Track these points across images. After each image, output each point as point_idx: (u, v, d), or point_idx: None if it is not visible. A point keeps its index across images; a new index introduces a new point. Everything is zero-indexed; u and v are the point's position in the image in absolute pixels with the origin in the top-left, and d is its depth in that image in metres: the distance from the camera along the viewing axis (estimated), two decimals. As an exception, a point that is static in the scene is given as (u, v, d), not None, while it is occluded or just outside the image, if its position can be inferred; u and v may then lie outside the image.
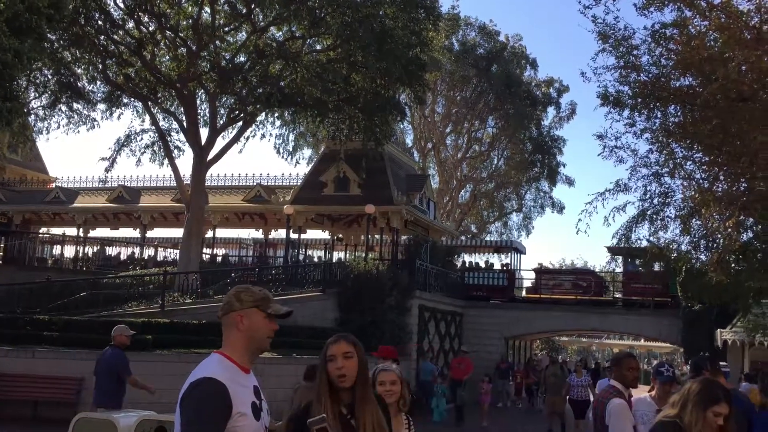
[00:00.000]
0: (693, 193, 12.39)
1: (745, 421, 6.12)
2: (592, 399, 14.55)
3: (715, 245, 12.47)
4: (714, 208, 11.56)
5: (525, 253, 34.46)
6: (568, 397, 17.02)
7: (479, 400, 20.25)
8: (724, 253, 11.52)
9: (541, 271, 29.97)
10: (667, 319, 25.96)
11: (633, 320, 27.42)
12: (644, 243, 13.54)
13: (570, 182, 45.37)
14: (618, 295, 28.63)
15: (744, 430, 6.03)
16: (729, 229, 11.49)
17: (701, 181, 12.57)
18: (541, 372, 19.46)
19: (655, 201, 12.74)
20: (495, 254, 32.49)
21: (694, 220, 12.66)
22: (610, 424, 5.02)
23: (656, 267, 18.31)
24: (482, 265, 30.79)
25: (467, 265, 31.16)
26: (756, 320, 17.08)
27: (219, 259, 31.16)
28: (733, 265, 12.02)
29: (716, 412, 3.52)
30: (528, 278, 31.08)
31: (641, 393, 5.75)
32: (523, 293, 30.06)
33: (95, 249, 31.43)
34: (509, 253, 31.16)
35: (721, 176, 12.39)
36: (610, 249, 13.37)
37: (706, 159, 12.34)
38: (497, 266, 30.98)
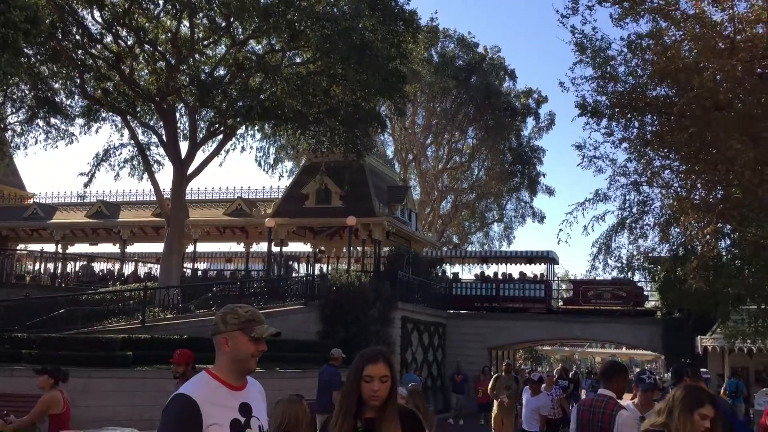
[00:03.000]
0: (671, 201, 12.53)
1: (728, 424, 6.18)
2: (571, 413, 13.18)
3: (693, 253, 12.59)
4: (692, 216, 11.70)
5: (559, 263, 33.55)
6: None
7: None
8: (703, 261, 11.64)
9: (579, 282, 29.74)
10: (647, 327, 26.13)
11: (614, 328, 27.55)
12: (623, 251, 13.61)
13: (550, 192, 45.65)
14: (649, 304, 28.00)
15: (727, 433, 6.08)
16: (707, 237, 11.62)
17: (679, 189, 12.71)
18: (493, 382, 14.74)
19: (634, 210, 12.88)
20: (528, 264, 31.01)
21: (672, 228, 12.79)
22: None
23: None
24: (515, 275, 30.03)
25: (501, 276, 30.26)
26: (735, 327, 17.22)
27: (200, 273, 30.93)
28: (711, 272, 12.14)
29: (702, 414, 3.55)
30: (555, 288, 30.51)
31: (623, 401, 5.78)
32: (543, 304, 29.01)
33: (75, 265, 31.08)
34: (544, 263, 30.22)
35: (698, 184, 12.55)
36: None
37: (683, 167, 12.50)
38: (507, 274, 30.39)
